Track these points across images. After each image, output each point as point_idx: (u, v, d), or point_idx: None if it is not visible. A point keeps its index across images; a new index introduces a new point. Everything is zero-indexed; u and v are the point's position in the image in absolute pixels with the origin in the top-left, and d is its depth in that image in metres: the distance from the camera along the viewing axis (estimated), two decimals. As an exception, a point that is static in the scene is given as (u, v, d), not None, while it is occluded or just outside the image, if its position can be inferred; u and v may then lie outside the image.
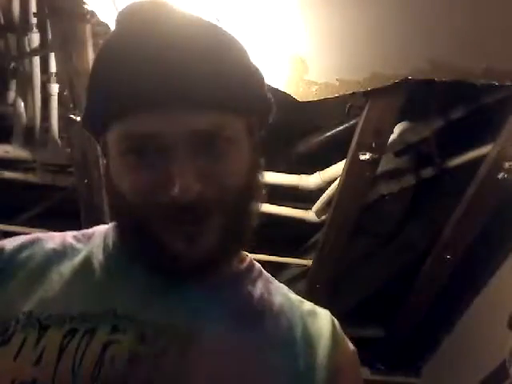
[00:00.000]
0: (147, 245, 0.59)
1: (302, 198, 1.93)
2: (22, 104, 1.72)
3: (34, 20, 1.53)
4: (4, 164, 1.86)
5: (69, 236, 0.70)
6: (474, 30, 1.29)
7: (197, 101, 0.55)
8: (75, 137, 1.62)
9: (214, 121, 0.56)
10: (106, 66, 0.57)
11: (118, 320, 0.58)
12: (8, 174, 1.87)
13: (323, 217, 1.90)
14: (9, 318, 0.59)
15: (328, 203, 1.83)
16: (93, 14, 1.30)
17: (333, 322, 0.71)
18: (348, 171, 1.62)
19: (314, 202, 1.90)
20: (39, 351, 0.55)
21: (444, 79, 1.33)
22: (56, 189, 1.95)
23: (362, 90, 1.36)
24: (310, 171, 1.84)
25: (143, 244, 0.60)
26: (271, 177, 1.86)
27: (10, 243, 0.67)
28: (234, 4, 1.26)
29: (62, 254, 0.66)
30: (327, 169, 1.81)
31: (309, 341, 0.65)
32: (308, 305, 0.71)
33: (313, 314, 0.69)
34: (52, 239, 0.69)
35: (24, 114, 1.74)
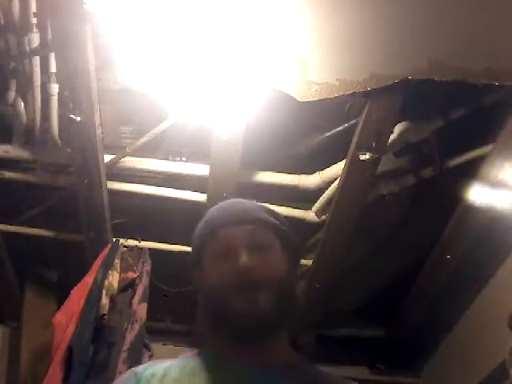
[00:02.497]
0: (226, 314, 0.89)
1: (302, 197, 1.93)
2: (22, 104, 1.72)
3: (34, 20, 1.52)
4: (4, 164, 1.86)
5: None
6: (474, 30, 1.30)
7: (251, 221, 0.97)
8: (75, 137, 1.62)
9: (262, 233, 0.96)
10: (210, 214, 1.06)
11: None
12: (8, 174, 1.87)
13: (323, 217, 1.90)
14: None
15: (328, 203, 1.83)
16: (93, 14, 1.30)
17: None
18: (348, 171, 1.62)
19: (314, 202, 1.90)
20: None
21: (444, 79, 1.33)
22: (56, 189, 1.95)
23: (361, 90, 1.36)
24: (310, 171, 1.84)
25: (224, 315, 0.89)
26: (271, 177, 1.86)
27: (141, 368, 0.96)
28: (235, 5, 1.26)
29: (172, 366, 0.94)
30: (327, 169, 1.81)
31: None
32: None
33: None
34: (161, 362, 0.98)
35: (24, 114, 1.74)
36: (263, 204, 1.09)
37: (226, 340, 0.93)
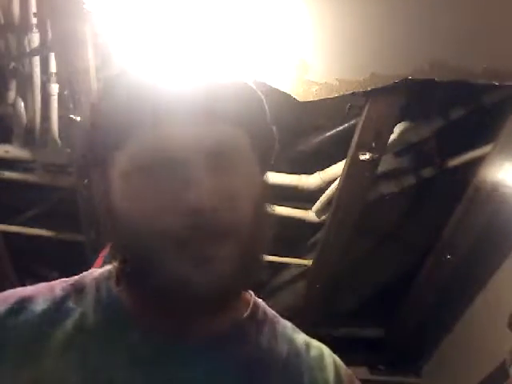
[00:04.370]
0: (154, 276, 0.53)
1: (302, 197, 1.93)
2: (22, 104, 1.72)
3: (34, 20, 1.53)
4: (4, 164, 1.86)
5: (58, 289, 0.63)
6: (474, 30, 1.29)
7: (219, 116, 0.55)
8: (75, 137, 1.62)
9: (231, 138, 0.56)
10: (125, 87, 0.59)
11: (115, 372, 0.54)
12: (8, 174, 1.87)
13: (323, 217, 1.90)
14: None
15: (328, 203, 1.83)
16: (93, 13, 1.30)
17: (339, 371, 0.70)
18: (348, 171, 1.62)
19: (314, 202, 1.90)
20: None
21: (444, 79, 1.33)
22: (56, 189, 1.95)
23: (361, 90, 1.36)
24: (310, 171, 1.84)
25: (149, 276, 0.54)
26: (271, 177, 1.86)
27: None
28: (235, 5, 1.26)
29: (53, 319, 0.59)
30: (327, 169, 1.80)
31: None
32: (314, 350, 0.70)
33: (319, 364, 0.69)
34: (41, 296, 0.63)
35: (24, 114, 1.74)
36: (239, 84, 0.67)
37: (147, 304, 0.59)
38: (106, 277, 0.64)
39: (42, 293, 0.64)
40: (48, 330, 0.59)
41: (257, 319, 0.67)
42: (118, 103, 0.56)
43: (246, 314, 0.66)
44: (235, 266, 0.55)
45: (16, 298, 0.64)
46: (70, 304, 0.61)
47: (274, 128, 0.69)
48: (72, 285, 0.65)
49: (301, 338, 0.71)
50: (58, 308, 0.61)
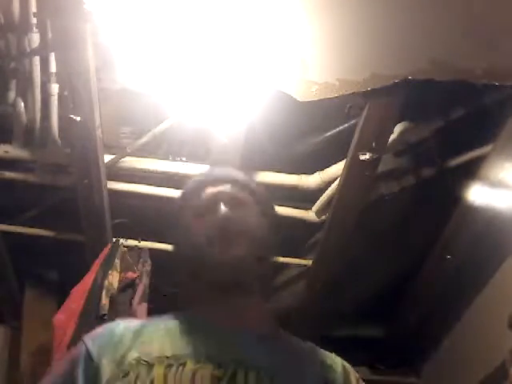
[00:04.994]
0: (202, 263, 0.92)
1: (302, 198, 1.93)
2: (22, 104, 1.72)
3: (34, 20, 1.53)
4: (4, 164, 1.85)
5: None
6: (474, 30, 1.30)
7: (229, 181, 1.04)
8: (75, 137, 1.62)
9: (238, 191, 1.02)
10: (194, 178, 1.10)
11: (200, 357, 0.86)
12: (8, 174, 1.87)
13: (323, 217, 1.90)
14: (125, 365, 0.86)
15: (328, 203, 1.83)
16: (93, 13, 1.30)
17: (346, 368, 1.04)
18: (348, 171, 1.62)
19: (314, 202, 1.90)
20: (149, 380, 0.83)
21: (444, 79, 1.33)
22: (56, 189, 1.95)
23: (362, 90, 1.36)
24: (310, 171, 1.84)
25: (200, 263, 0.92)
26: (271, 177, 1.86)
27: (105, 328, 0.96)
28: (235, 5, 1.26)
29: (149, 324, 0.96)
30: (327, 169, 1.81)
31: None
32: (326, 353, 1.03)
33: (330, 358, 1.03)
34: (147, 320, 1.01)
35: (24, 114, 1.74)
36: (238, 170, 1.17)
37: (202, 296, 0.95)
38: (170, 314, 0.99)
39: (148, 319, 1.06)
40: (147, 327, 0.95)
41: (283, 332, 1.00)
42: (192, 187, 1.07)
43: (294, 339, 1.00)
44: (245, 254, 0.91)
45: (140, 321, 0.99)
46: (157, 320, 0.98)
47: (270, 200, 1.11)
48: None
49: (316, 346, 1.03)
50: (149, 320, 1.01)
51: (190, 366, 0.85)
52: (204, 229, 0.95)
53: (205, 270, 0.92)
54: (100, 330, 0.95)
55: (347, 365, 1.02)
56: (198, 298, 0.96)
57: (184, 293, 1.01)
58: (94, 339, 0.92)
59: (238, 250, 0.91)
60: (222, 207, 0.97)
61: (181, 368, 0.84)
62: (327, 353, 1.01)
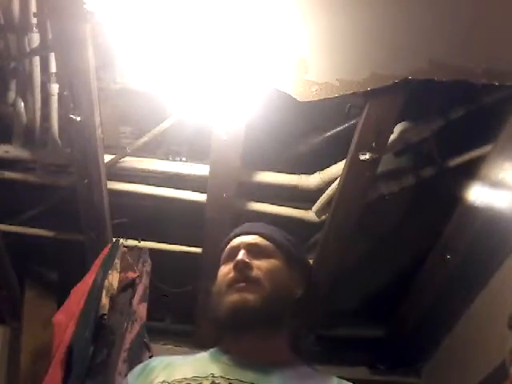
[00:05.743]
0: (221, 305, 1.05)
1: (302, 197, 1.93)
2: (22, 104, 1.72)
3: (34, 20, 1.52)
4: (4, 164, 1.85)
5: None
6: (474, 30, 1.29)
7: (256, 233, 1.16)
8: (75, 137, 1.62)
9: (264, 243, 1.13)
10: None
11: (215, 378, 0.97)
12: (8, 174, 1.87)
13: (323, 217, 1.90)
14: None
15: (328, 203, 1.83)
16: (93, 14, 1.30)
17: None
18: (348, 171, 1.62)
19: (314, 202, 1.90)
20: None
21: (444, 79, 1.33)
22: (56, 189, 1.95)
23: (361, 90, 1.36)
24: (310, 171, 1.84)
25: (220, 305, 1.05)
26: (271, 177, 1.86)
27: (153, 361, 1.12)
28: (235, 4, 1.26)
29: (181, 357, 1.11)
30: (327, 169, 1.80)
31: None
32: (335, 378, 1.07)
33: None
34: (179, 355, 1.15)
35: (24, 114, 1.74)
36: (279, 228, 1.25)
37: (223, 334, 1.08)
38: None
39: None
40: (177, 359, 1.11)
41: (296, 362, 1.09)
42: (226, 240, 1.21)
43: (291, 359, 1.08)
44: (259, 304, 1.01)
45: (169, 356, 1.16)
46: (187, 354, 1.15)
47: (304, 258, 1.29)
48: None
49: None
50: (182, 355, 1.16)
51: (205, 382, 0.96)
52: (226, 272, 1.08)
53: (222, 311, 1.04)
54: (140, 365, 1.12)
55: None
56: (223, 335, 1.09)
57: (217, 332, 1.14)
58: (133, 372, 1.10)
59: (249, 299, 1.01)
60: (241, 253, 1.08)
61: None
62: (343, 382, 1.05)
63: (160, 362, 1.08)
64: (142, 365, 1.11)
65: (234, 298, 1.02)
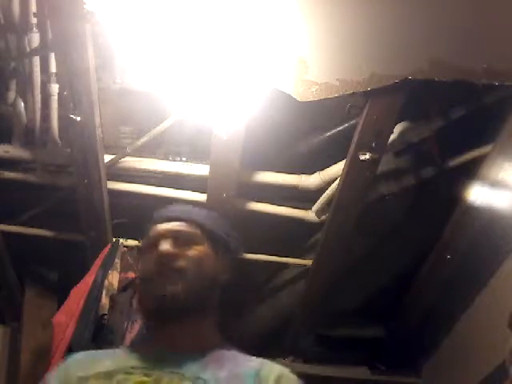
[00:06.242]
0: (147, 294, 1.04)
1: (302, 197, 1.93)
2: (22, 104, 1.72)
3: (34, 20, 1.52)
4: (4, 164, 1.85)
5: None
6: (474, 30, 1.29)
7: (183, 220, 1.13)
8: (75, 137, 1.62)
9: (189, 230, 1.11)
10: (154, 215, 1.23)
11: (133, 370, 0.98)
12: (8, 174, 1.87)
13: (323, 217, 1.90)
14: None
15: (328, 203, 1.83)
16: (93, 14, 1.30)
17: (282, 372, 1.03)
18: (348, 171, 1.62)
19: (314, 202, 1.90)
20: None
21: (444, 79, 1.33)
22: (56, 189, 1.95)
23: (361, 90, 1.36)
24: (310, 171, 1.84)
25: (146, 294, 1.05)
26: (271, 177, 1.86)
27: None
28: (234, 4, 1.26)
29: (103, 352, 1.13)
30: (327, 169, 1.80)
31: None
32: (266, 361, 1.05)
33: (268, 365, 1.04)
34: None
35: (24, 114, 1.74)
36: (210, 211, 1.26)
37: (150, 322, 1.09)
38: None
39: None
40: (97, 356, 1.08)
41: (221, 345, 1.08)
42: (151, 224, 1.19)
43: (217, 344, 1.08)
44: (184, 293, 1.00)
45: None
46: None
47: (233, 241, 1.19)
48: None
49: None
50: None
51: (120, 376, 0.96)
52: (150, 262, 1.05)
53: (148, 301, 1.04)
54: (62, 362, 1.09)
55: (290, 379, 1.01)
56: (149, 323, 1.10)
57: (143, 322, 1.17)
58: (54, 370, 1.07)
59: (174, 286, 1.00)
60: (163, 244, 1.05)
61: (109, 380, 0.96)
62: (272, 365, 1.02)
63: (84, 356, 1.07)
64: (61, 363, 1.08)
65: (159, 289, 1.00)
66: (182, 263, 1.03)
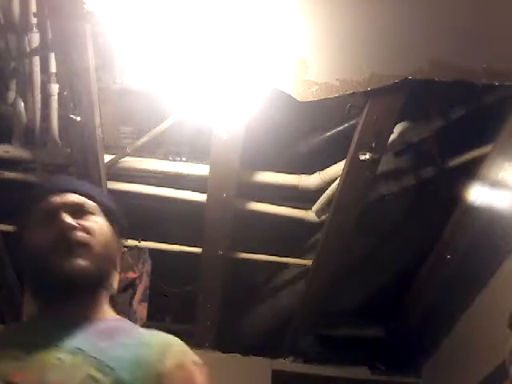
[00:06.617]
0: (46, 270, 0.96)
1: (302, 197, 1.93)
2: (22, 104, 1.72)
3: (34, 20, 1.53)
4: (4, 164, 1.85)
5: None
6: (474, 30, 1.29)
7: (79, 192, 1.07)
8: (75, 137, 1.62)
9: (84, 201, 1.06)
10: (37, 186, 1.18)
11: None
12: (8, 174, 1.87)
13: (323, 217, 1.90)
14: None
15: (328, 203, 1.83)
16: (93, 14, 1.30)
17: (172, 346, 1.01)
18: (348, 171, 1.62)
19: (314, 202, 1.90)
20: None
21: (444, 79, 1.33)
22: (56, 189, 1.95)
23: (361, 90, 1.36)
24: (310, 171, 1.84)
25: (44, 274, 0.97)
26: (271, 177, 1.86)
27: None
28: (234, 4, 1.26)
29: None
30: (327, 169, 1.80)
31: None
32: (157, 332, 1.03)
33: (156, 336, 1.01)
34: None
35: (24, 114, 1.74)
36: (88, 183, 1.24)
37: (43, 299, 1.02)
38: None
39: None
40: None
41: (111, 317, 1.05)
42: (34, 197, 1.12)
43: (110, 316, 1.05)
44: (90, 266, 0.96)
45: None
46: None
47: (118, 210, 1.17)
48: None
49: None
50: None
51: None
52: (47, 236, 0.98)
53: (48, 277, 0.96)
54: None
55: (175, 345, 1.01)
56: (41, 303, 1.02)
57: (34, 299, 1.07)
58: None
59: (80, 261, 0.96)
60: (65, 216, 0.99)
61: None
62: (158, 334, 1.01)
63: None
64: None
65: (63, 265, 0.95)
66: (86, 236, 0.99)
